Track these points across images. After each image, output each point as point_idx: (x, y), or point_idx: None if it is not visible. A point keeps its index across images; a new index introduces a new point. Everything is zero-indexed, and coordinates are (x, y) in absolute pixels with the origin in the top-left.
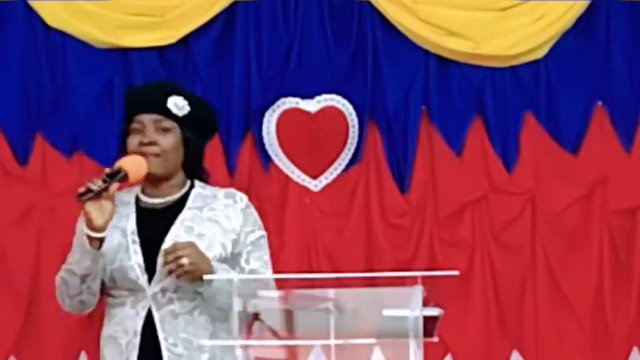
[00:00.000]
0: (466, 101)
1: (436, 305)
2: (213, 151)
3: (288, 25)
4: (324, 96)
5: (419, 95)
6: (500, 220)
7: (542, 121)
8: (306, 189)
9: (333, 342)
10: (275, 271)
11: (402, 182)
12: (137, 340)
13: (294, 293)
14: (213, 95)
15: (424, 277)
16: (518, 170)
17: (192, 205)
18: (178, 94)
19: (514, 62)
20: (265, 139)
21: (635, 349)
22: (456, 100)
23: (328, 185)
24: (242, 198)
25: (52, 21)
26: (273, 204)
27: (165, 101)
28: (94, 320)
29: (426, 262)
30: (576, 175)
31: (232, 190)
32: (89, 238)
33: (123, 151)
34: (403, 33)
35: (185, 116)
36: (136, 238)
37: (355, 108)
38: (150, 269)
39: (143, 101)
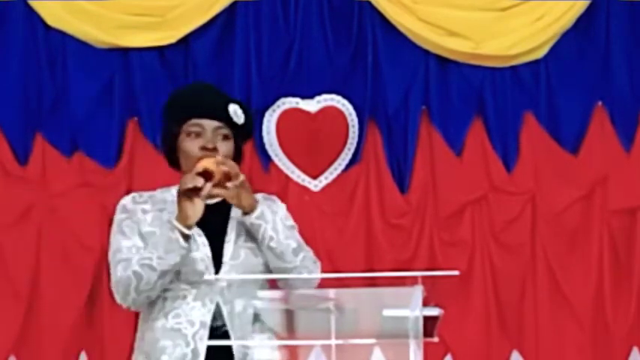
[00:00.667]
0: (466, 101)
1: (436, 305)
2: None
3: (288, 25)
4: (324, 96)
5: (419, 95)
6: (500, 220)
7: (542, 121)
8: (306, 189)
9: (333, 342)
10: None
11: (402, 182)
12: (205, 332)
13: (294, 293)
14: None
15: (424, 277)
16: (518, 170)
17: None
18: (235, 102)
19: (514, 62)
20: (265, 139)
21: (635, 349)
22: (456, 100)
23: (328, 185)
24: (278, 200)
25: (52, 21)
26: None
27: (226, 108)
28: (94, 320)
29: (426, 262)
30: (576, 175)
31: (267, 195)
32: (182, 234)
33: (170, 151)
34: (403, 33)
35: (241, 125)
36: (201, 232)
37: (355, 108)
38: (216, 263)
39: (205, 106)
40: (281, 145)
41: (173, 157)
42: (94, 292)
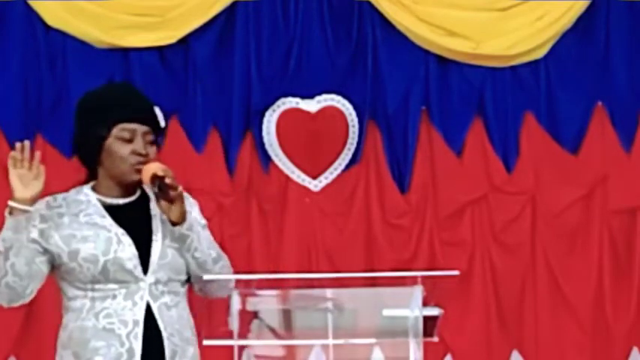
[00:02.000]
0: (466, 101)
1: (436, 305)
2: (213, 151)
3: (288, 25)
4: (324, 96)
5: (419, 95)
6: (500, 220)
7: (542, 121)
8: (306, 189)
9: (332, 342)
10: (275, 271)
11: (402, 182)
12: (139, 330)
13: (293, 293)
14: (213, 95)
15: (424, 277)
16: (518, 170)
17: (153, 199)
18: (154, 105)
19: (514, 62)
20: (265, 139)
21: (635, 349)
22: (456, 100)
23: (328, 185)
24: (190, 197)
25: (52, 21)
26: (273, 204)
27: (154, 113)
28: None
29: (426, 262)
30: (576, 175)
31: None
32: (12, 209)
33: (92, 152)
34: (403, 33)
35: (162, 128)
36: (124, 232)
37: (355, 108)
38: (143, 261)
39: (136, 110)
40: (281, 145)
41: (91, 158)
42: None
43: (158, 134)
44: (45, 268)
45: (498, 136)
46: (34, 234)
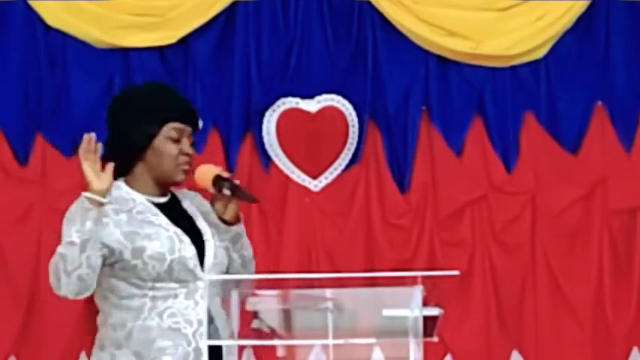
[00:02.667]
0: (466, 101)
1: (436, 305)
2: (213, 151)
3: (288, 25)
4: (324, 96)
5: (419, 95)
6: (500, 220)
7: (542, 121)
8: (306, 189)
9: (332, 342)
10: (275, 271)
11: (402, 182)
12: (204, 329)
13: (294, 293)
14: (213, 95)
15: (424, 277)
16: (518, 170)
17: (182, 198)
18: None
19: (514, 62)
20: (265, 139)
21: (635, 349)
22: (456, 100)
23: (328, 185)
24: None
25: (52, 21)
26: (273, 204)
27: (197, 115)
28: (95, 320)
29: (426, 262)
30: (576, 175)
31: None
32: (90, 200)
33: (135, 149)
34: (403, 33)
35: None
36: (181, 231)
37: (355, 108)
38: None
39: (186, 111)
40: (281, 145)
41: (133, 155)
42: (94, 292)
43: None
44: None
45: (498, 136)
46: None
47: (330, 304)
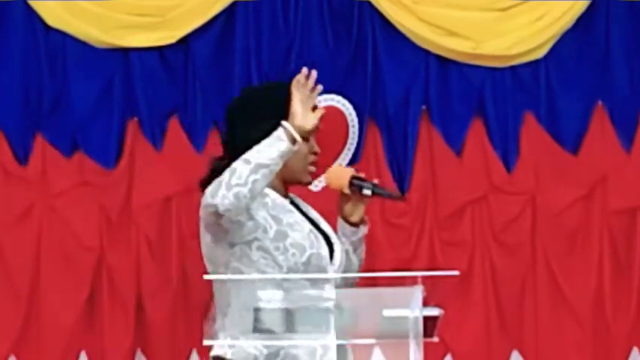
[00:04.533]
0: (466, 101)
1: (436, 305)
2: (213, 151)
3: (288, 25)
4: (324, 96)
5: (419, 95)
6: (500, 220)
7: (542, 121)
8: (306, 189)
9: (331, 342)
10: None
11: (402, 182)
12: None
13: (294, 293)
14: (213, 95)
15: (424, 277)
16: (518, 170)
17: (298, 202)
18: None
19: (514, 62)
20: None
21: (635, 349)
22: (456, 100)
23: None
24: None
25: (52, 21)
26: None
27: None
28: (94, 320)
29: (426, 262)
30: (576, 175)
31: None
32: (286, 132)
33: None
34: (403, 33)
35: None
36: (314, 228)
37: (355, 108)
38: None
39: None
40: None
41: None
42: (94, 292)
43: None
44: (239, 224)
45: (498, 136)
46: None
47: (330, 304)
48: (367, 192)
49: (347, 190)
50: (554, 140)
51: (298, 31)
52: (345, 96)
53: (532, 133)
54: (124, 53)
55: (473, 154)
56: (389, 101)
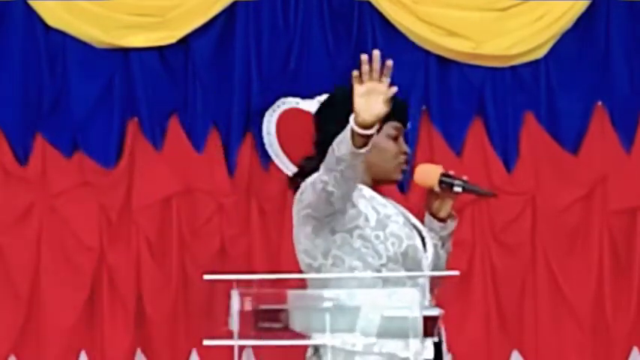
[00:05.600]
0: (466, 101)
1: (436, 305)
2: (213, 151)
3: (288, 25)
4: (324, 96)
5: (419, 95)
6: (500, 220)
7: (542, 121)
8: None
9: (331, 342)
10: (275, 272)
11: (402, 182)
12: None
13: (294, 293)
14: (213, 95)
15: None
16: (518, 170)
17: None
18: None
19: (514, 62)
20: (265, 139)
21: (635, 349)
22: (456, 100)
23: None
24: None
25: (52, 21)
26: (273, 204)
27: (408, 113)
28: (94, 320)
29: None
30: (576, 175)
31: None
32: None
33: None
34: (403, 33)
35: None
36: (407, 222)
37: None
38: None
39: (404, 110)
40: (281, 145)
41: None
42: (94, 292)
43: None
44: (342, 211)
45: (498, 136)
46: None
47: (329, 304)
48: (458, 189)
49: (437, 188)
50: (554, 140)
51: (298, 31)
52: None
53: (532, 133)
54: (124, 53)
55: (473, 154)
56: None
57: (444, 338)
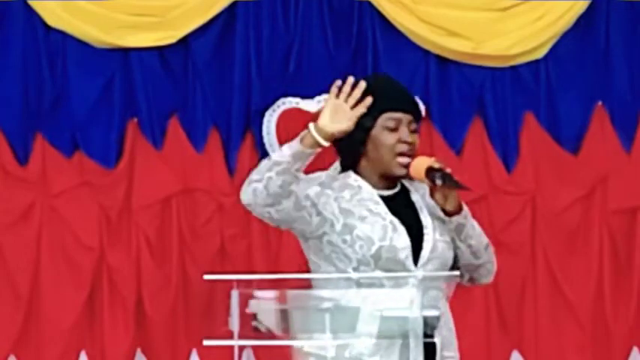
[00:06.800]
0: (466, 101)
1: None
2: (213, 151)
3: (288, 25)
4: (324, 96)
5: (419, 95)
6: (500, 220)
7: (542, 121)
8: None
9: (331, 342)
10: (275, 272)
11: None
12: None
13: (294, 293)
14: (213, 95)
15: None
16: (518, 170)
17: (413, 191)
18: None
19: (514, 62)
20: (265, 139)
21: (635, 349)
22: (456, 100)
23: None
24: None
25: (52, 21)
26: None
27: (415, 101)
28: (94, 320)
29: None
30: (576, 175)
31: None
32: (309, 131)
33: (357, 143)
34: (403, 33)
35: (420, 117)
36: (399, 221)
37: None
38: (414, 253)
39: (401, 100)
40: (281, 145)
41: (355, 149)
42: (94, 292)
43: (418, 123)
44: (299, 220)
45: (498, 136)
46: (312, 191)
47: (329, 304)
48: (438, 182)
49: (425, 181)
50: (554, 140)
51: (298, 31)
52: None
53: (532, 133)
54: (124, 53)
55: (473, 154)
56: None
57: (438, 342)
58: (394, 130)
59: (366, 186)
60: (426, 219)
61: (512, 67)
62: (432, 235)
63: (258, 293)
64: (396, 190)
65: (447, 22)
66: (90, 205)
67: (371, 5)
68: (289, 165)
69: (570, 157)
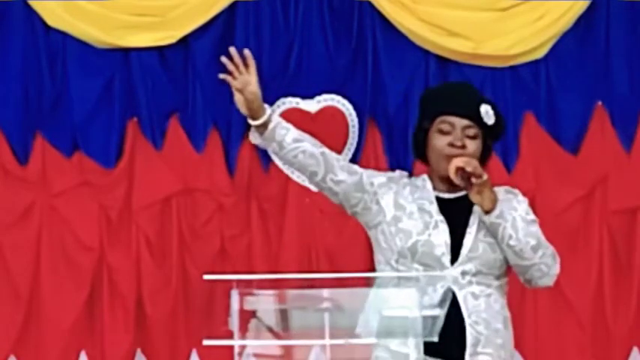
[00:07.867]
0: None
1: (436, 305)
2: (213, 151)
3: (288, 25)
4: (324, 96)
5: (419, 95)
6: None
7: (542, 121)
8: (306, 189)
9: (330, 342)
10: (275, 272)
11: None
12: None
13: (293, 293)
14: (213, 95)
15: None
16: (518, 170)
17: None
18: (488, 102)
19: (514, 62)
20: None
21: (635, 349)
22: None
23: None
24: (520, 194)
25: (52, 21)
26: (273, 204)
27: (478, 108)
28: (94, 320)
29: None
30: (576, 175)
31: (510, 188)
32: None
33: (418, 146)
34: (403, 33)
35: (490, 126)
36: (443, 219)
37: (355, 108)
38: (454, 251)
39: (456, 105)
40: None
41: (420, 151)
42: (94, 292)
43: (490, 134)
44: (360, 204)
45: None
46: (377, 180)
47: (329, 304)
48: (462, 183)
49: (457, 181)
50: (554, 140)
51: (298, 31)
52: (345, 96)
53: (532, 133)
54: (124, 53)
55: None
56: (389, 101)
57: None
58: (447, 133)
59: (428, 186)
60: (472, 220)
61: (512, 67)
62: (474, 234)
63: (258, 292)
64: (459, 194)
65: (447, 22)
66: (90, 205)
67: (371, 5)
68: (267, 147)
69: (570, 157)
